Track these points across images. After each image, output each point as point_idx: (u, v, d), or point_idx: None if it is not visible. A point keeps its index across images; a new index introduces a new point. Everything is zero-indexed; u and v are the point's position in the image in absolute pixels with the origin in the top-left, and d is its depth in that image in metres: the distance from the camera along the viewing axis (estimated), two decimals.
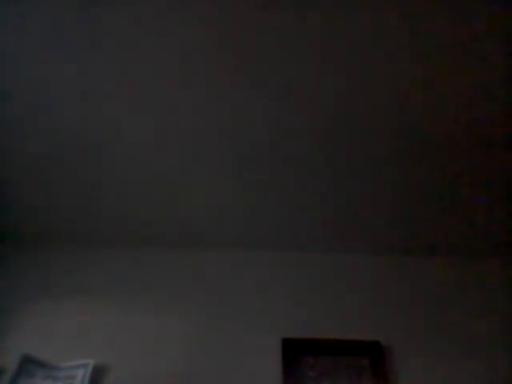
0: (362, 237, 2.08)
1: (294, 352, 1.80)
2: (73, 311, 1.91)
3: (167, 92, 1.65)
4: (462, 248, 2.10)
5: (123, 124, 1.74)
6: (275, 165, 1.84)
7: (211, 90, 1.64)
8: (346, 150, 1.79)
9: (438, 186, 1.89)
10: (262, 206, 1.97)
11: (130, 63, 1.58)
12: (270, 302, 1.96)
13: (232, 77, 1.61)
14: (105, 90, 1.64)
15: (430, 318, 1.94)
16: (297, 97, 1.65)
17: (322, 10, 1.46)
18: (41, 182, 1.91)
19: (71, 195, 1.95)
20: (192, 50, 1.55)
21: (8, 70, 1.60)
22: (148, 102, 1.67)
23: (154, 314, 1.91)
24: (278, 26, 1.49)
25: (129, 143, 1.79)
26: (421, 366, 1.81)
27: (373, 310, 1.95)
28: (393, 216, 2.00)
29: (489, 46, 1.52)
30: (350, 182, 1.88)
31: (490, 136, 1.73)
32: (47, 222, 2.05)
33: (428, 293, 2.01)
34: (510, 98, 1.63)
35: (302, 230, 2.06)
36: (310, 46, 1.54)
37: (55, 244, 2.11)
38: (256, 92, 1.64)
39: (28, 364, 1.72)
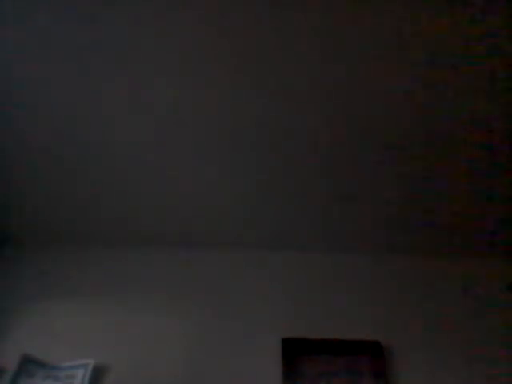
0: (361, 237, 2.08)
1: (294, 352, 1.80)
2: (73, 311, 1.92)
3: (167, 92, 1.65)
4: (462, 248, 2.10)
5: (123, 124, 1.74)
6: (275, 165, 1.84)
7: (211, 90, 1.64)
8: (345, 150, 1.79)
9: (438, 186, 1.89)
10: (262, 206, 1.97)
11: (130, 63, 1.58)
12: (270, 302, 1.96)
13: (232, 77, 1.61)
14: (105, 89, 1.65)
15: (430, 318, 1.94)
16: (297, 97, 1.65)
17: (322, 10, 1.46)
18: (41, 182, 1.91)
19: (71, 195, 1.95)
20: (192, 50, 1.55)
21: (8, 69, 1.60)
22: (148, 102, 1.67)
23: (154, 314, 1.91)
24: (278, 26, 1.49)
25: (129, 143, 1.79)
26: (421, 366, 1.81)
27: (373, 310, 1.95)
28: (393, 216, 2.00)
29: (489, 45, 1.52)
30: (349, 182, 1.88)
31: (491, 136, 1.73)
32: (47, 222, 2.05)
33: (428, 293, 2.01)
34: (510, 98, 1.63)
35: (302, 230, 2.06)
36: (310, 46, 1.54)
37: (55, 244, 2.11)
38: (256, 92, 1.64)
39: (28, 364, 1.72)
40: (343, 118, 1.71)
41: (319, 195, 1.93)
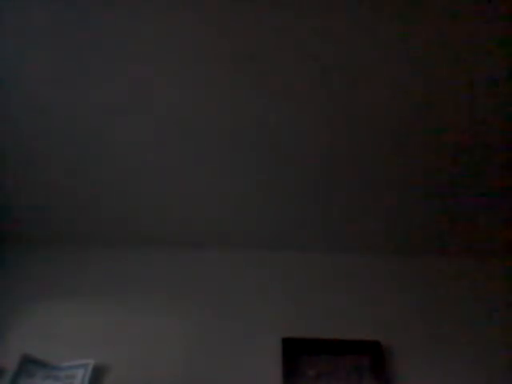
0: (361, 237, 2.08)
1: (294, 352, 1.80)
2: (73, 311, 1.92)
3: (167, 92, 1.65)
4: (462, 248, 2.10)
5: (123, 124, 1.74)
6: (275, 165, 1.84)
7: (211, 90, 1.64)
8: (345, 150, 1.79)
9: (438, 186, 1.89)
10: (262, 206, 1.97)
11: (130, 63, 1.58)
12: (270, 302, 1.96)
13: (232, 77, 1.61)
14: (105, 90, 1.65)
15: (430, 318, 1.94)
16: (297, 97, 1.65)
17: (322, 10, 1.46)
18: (41, 182, 1.91)
19: (71, 195, 1.95)
20: (192, 50, 1.55)
21: (8, 69, 1.60)
22: (148, 101, 1.67)
23: (154, 314, 1.91)
24: (278, 26, 1.49)
25: (129, 143, 1.79)
26: (421, 366, 1.81)
27: (373, 310, 1.95)
28: (393, 216, 2.00)
29: (489, 45, 1.52)
30: (349, 182, 1.88)
31: (491, 136, 1.73)
32: (47, 221, 2.05)
33: (428, 293, 2.01)
34: (510, 98, 1.63)
35: (302, 230, 2.06)
36: (310, 46, 1.54)
37: (55, 244, 2.11)
38: (256, 92, 1.64)
39: (28, 364, 1.72)
40: (343, 118, 1.71)
41: (319, 195, 1.93)
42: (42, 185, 1.92)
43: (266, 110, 1.69)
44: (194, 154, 1.82)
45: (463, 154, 1.79)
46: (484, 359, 1.83)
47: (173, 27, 1.51)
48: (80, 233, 2.09)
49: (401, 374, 1.79)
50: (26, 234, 2.09)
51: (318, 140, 1.76)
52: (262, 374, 1.76)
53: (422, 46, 1.53)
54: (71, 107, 1.69)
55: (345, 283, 2.04)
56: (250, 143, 1.78)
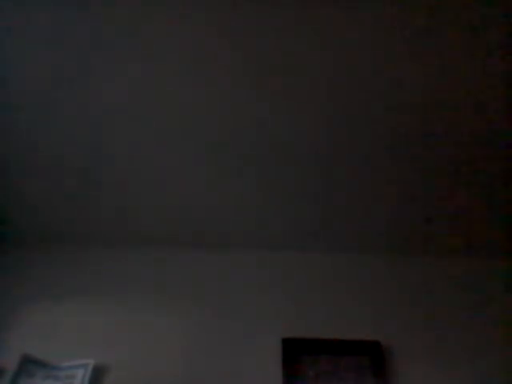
0: (361, 237, 2.08)
1: (294, 352, 1.80)
2: (73, 311, 1.91)
3: (167, 92, 1.65)
4: (462, 248, 2.09)
5: (123, 124, 1.74)
6: (275, 165, 1.84)
7: (211, 90, 1.64)
8: (346, 150, 1.79)
9: (437, 186, 1.89)
10: (262, 206, 1.97)
11: (130, 63, 1.58)
12: (270, 302, 1.96)
13: (232, 77, 1.61)
14: (105, 89, 1.64)
15: (430, 318, 1.94)
16: (297, 97, 1.65)
17: (322, 10, 1.46)
18: (41, 182, 1.91)
19: (71, 195, 1.95)
20: (192, 50, 1.55)
21: (8, 69, 1.60)
22: (148, 101, 1.67)
23: (154, 314, 1.91)
24: (278, 26, 1.49)
25: (129, 143, 1.79)
26: (421, 366, 1.81)
27: (373, 310, 1.95)
28: (393, 216, 2.00)
29: (489, 44, 1.52)
30: (349, 182, 1.88)
31: (491, 135, 1.73)
32: (47, 221, 2.05)
33: (428, 293, 2.01)
34: (510, 98, 1.63)
35: (302, 230, 2.06)
36: (310, 46, 1.54)
37: (55, 244, 2.11)
38: (256, 92, 1.64)
39: (28, 364, 1.72)
40: (343, 118, 1.71)
41: (319, 195, 1.93)
42: (42, 185, 1.92)
43: (265, 109, 1.69)
44: (194, 153, 1.82)
45: (463, 153, 1.78)
46: (484, 359, 1.83)
47: (173, 27, 1.51)
48: (80, 233, 2.09)
49: (401, 374, 1.79)
50: (26, 234, 2.09)
51: (317, 140, 1.76)
52: (262, 374, 1.76)
53: (422, 46, 1.53)
54: (71, 107, 1.69)
55: (345, 283, 2.03)
56: (250, 143, 1.78)
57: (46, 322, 1.88)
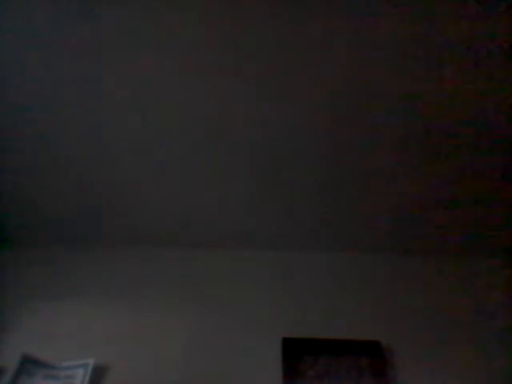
0: (361, 237, 2.08)
1: (294, 352, 1.80)
2: (73, 311, 1.91)
3: (167, 92, 1.65)
4: (462, 248, 2.09)
5: (123, 124, 1.74)
6: (275, 165, 1.84)
7: (211, 90, 1.64)
8: (346, 150, 1.79)
9: (437, 186, 1.89)
10: (262, 206, 1.97)
11: (130, 63, 1.58)
12: (270, 302, 1.96)
13: (232, 77, 1.61)
14: (105, 89, 1.64)
15: (430, 318, 1.93)
16: (297, 97, 1.65)
17: (322, 11, 1.46)
18: (41, 182, 1.91)
19: (71, 195, 1.95)
20: (192, 50, 1.55)
21: (8, 70, 1.60)
22: (148, 102, 1.67)
23: (153, 314, 1.91)
24: (278, 25, 1.49)
25: (129, 143, 1.79)
26: (421, 366, 1.81)
27: (373, 310, 1.95)
28: (393, 216, 1.99)
29: (489, 44, 1.52)
30: (349, 181, 1.88)
31: (491, 135, 1.73)
32: (47, 222, 2.05)
33: (428, 293, 2.01)
34: (510, 98, 1.64)
35: (302, 230, 2.06)
36: (310, 46, 1.54)
37: (55, 244, 2.10)
38: (256, 92, 1.64)
39: (28, 364, 1.72)
40: (343, 118, 1.71)
41: (319, 195, 1.93)
42: (42, 185, 1.92)
43: (265, 109, 1.69)
44: (194, 153, 1.82)
45: (463, 153, 1.78)
46: (484, 359, 1.83)
47: (173, 27, 1.51)
48: (80, 233, 2.09)
49: (401, 374, 1.79)
50: (26, 234, 2.09)
51: (318, 140, 1.76)
52: (262, 374, 1.76)
53: (422, 47, 1.53)
54: (71, 107, 1.69)
55: (345, 283, 2.03)
56: (250, 143, 1.78)
57: (45, 322, 1.88)
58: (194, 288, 1.99)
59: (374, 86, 1.62)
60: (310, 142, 1.77)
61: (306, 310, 1.94)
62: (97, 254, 2.08)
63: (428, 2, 1.44)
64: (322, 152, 1.80)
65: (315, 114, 1.69)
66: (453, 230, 2.03)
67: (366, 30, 1.50)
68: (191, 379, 1.75)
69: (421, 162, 1.81)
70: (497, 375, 1.79)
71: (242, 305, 1.94)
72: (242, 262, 2.08)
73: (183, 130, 1.75)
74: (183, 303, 1.95)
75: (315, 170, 1.85)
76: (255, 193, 1.93)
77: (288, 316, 1.92)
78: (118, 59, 1.57)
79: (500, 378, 1.79)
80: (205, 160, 1.83)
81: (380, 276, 2.06)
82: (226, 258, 2.08)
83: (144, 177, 1.89)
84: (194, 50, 1.55)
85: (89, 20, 1.49)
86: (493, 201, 1.92)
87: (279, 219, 2.02)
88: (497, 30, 1.48)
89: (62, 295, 1.96)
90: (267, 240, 2.09)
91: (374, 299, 1.98)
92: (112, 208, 1.99)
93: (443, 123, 1.71)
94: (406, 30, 1.49)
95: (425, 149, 1.77)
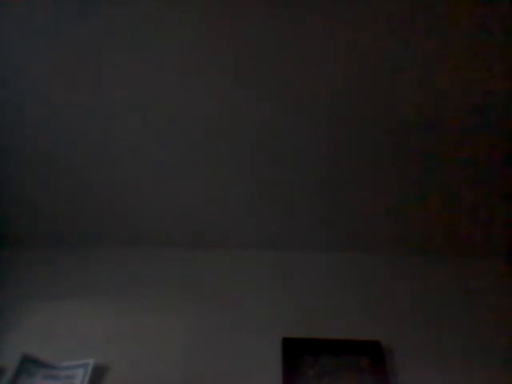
0: (361, 237, 2.08)
1: (294, 352, 1.80)
2: (73, 311, 1.91)
3: (167, 92, 1.65)
4: (462, 248, 2.10)
5: (123, 124, 1.74)
6: (275, 165, 1.84)
7: (211, 90, 1.64)
8: (345, 150, 1.79)
9: (437, 186, 1.89)
10: (262, 206, 1.97)
11: (130, 63, 1.59)
12: (270, 302, 1.96)
13: (232, 77, 1.61)
14: (105, 90, 1.65)
15: (430, 318, 1.93)
16: (297, 97, 1.65)
17: (322, 11, 1.46)
18: (41, 182, 1.91)
19: (71, 195, 1.95)
20: (192, 50, 1.55)
21: (8, 70, 1.60)
22: (148, 102, 1.67)
23: (153, 314, 1.91)
24: (278, 25, 1.49)
25: (129, 143, 1.79)
26: (421, 366, 1.80)
27: (373, 310, 1.95)
28: (393, 216, 2.00)
29: (489, 44, 1.52)
30: (349, 181, 1.88)
31: (492, 135, 1.73)
32: (47, 222, 2.05)
33: (428, 293, 2.01)
34: (510, 98, 1.64)
35: (302, 230, 2.06)
36: (310, 46, 1.54)
37: (55, 244, 2.10)
38: (256, 92, 1.65)
39: (28, 364, 1.72)
40: (343, 119, 1.71)
41: (319, 195, 1.93)
42: (42, 185, 1.92)
43: (266, 109, 1.69)
44: (194, 153, 1.82)
45: (463, 153, 1.78)
46: (484, 359, 1.83)
47: (173, 27, 1.51)
48: (80, 233, 2.09)
49: (401, 374, 1.79)
50: (27, 234, 2.09)
51: (318, 140, 1.76)
52: (262, 374, 1.76)
53: (422, 47, 1.53)
54: (71, 107, 1.69)
55: (345, 283, 2.03)
56: (250, 143, 1.78)
57: (45, 322, 1.88)
58: (194, 288, 1.99)
59: (375, 84, 1.62)
60: (309, 142, 1.77)
61: (305, 310, 1.94)
62: (97, 254, 2.08)
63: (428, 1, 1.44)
64: (322, 152, 1.80)
65: (315, 113, 1.69)
66: (453, 230, 2.03)
67: (365, 29, 1.50)
68: (191, 379, 1.74)
69: (421, 162, 1.81)
70: (497, 375, 1.79)
71: (242, 305, 1.94)
72: (242, 261, 2.08)
73: (183, 130, 1.75)
74: (183, 303, 1.95)
75: (315, 170, 1.85)
76: (255, 193, 1.93)
77: (288, 316, 1.92)
78: (118, 59, 1.58)
79: (500, 379, 1.79)
80: (205, 160, 1.83)
81: (380, 276, 2.06)
82: (226, 258, 2.08)
83: (144, 177, 1.89)
84: (194, 50, 1.55)
85: (89, 20, 1.49)
86: (493, 200, 1.92)
87: (279, 219, 2.02)
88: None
89: (62, 295, 1.96)
90: (267, 240, 2.10)
91: (374, 299, 1.98)
92: (112, 208, 1.99)
93: (443, 124, 1.71)
94: (406, 30, 1.50)
95: (425, 148, 1.77)
